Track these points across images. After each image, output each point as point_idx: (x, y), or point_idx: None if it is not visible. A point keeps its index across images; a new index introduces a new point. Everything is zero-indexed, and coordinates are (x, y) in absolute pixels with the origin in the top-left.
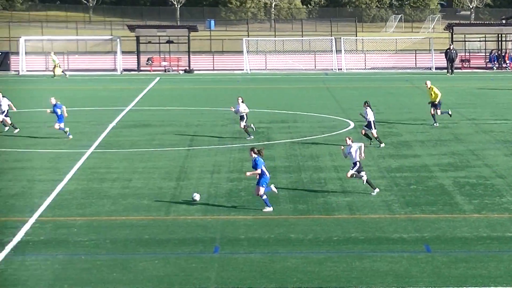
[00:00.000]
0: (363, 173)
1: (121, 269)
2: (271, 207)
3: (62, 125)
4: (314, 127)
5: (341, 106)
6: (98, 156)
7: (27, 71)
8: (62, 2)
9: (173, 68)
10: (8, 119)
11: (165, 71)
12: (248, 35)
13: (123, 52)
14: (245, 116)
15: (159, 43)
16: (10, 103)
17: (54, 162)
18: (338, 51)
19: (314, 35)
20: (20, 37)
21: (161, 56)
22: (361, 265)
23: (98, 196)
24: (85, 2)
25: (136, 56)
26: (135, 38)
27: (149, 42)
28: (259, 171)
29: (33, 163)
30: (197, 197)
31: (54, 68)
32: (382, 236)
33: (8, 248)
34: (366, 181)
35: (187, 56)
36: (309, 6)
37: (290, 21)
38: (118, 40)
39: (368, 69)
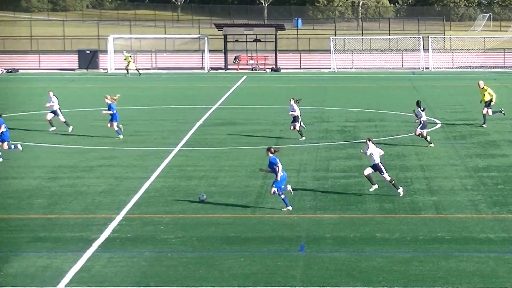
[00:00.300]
0: (372, 173)
1: (207, 266)
2: (290, 206)
3: (115, 124)
4: (401, 126)
5: (428, 105)
6: (185, 154)
7: (116, 69)
8: (151, 1)
9: (260, 67)
10: (49, 116)
11: (252, 70)
12: (335, 33)
13: (211, 51)
14: (299, 117)
15: (247, 41)
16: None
17: (141, 160)
18: (426, 50)
19: (401, 34)
20: (109, 36)
21: (248, 55)
22: (447, 265)
23: (185, 194)
24: (174, 1)
25: (224, 55)
26: (222, 36)
27: (237, 41)
28: (279, 167)
29: (121, 161)
30: (203, 196)
31: (127, 65)
32: (468, 236)
33: (96, 245)
34: (367, 176)
35: (274, 55)
36: (397, 5)
37: (377, 20)
38: (205, 38)
39: (456, 68)
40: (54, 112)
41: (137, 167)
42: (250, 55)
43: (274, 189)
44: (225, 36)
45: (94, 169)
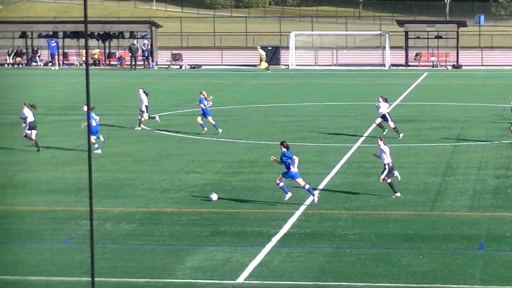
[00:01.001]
0: (396, 172)
1: (385, 263)
2: (290, 193)
3: (210, 118)
4: None
5: None
6: (365, 150)
7: (297, 65)
8: None
9: (441, 64)
10: (145, 115)
11: (433, 66)
12: None
13: (392, 47)
14: (387, 116)
15: (428, 38)
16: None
17: (321, 156)
18: None
19: None
20: (291, 32)
21: (429, 51)
22: None
23: (364, 190)
24: None
25: (405, 51)
26: (403, 33)
27: (418, 38)
28: (296, 158)
29: (301, 156)
30: (214, 196)
31: (260, 62)
32: None
33: (275, 239)
34: (389, 184)
35: (456, 52)
36: None
37: None
38: (386, 35)
39: None
40: (143, 109)
41: (317, 163)
42: (431, 51)
43: (303, 182)
44: (406, 32)
45: (274, 164)
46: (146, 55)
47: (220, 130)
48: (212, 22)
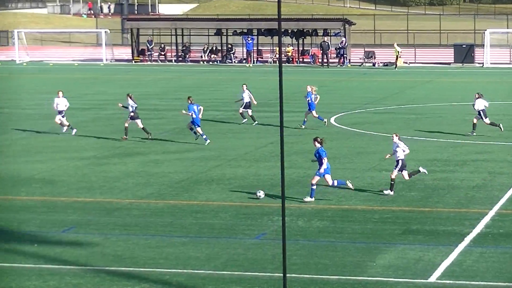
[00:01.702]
0: (404, 172)
1: None
2: (313, 198)
3: (314, 113)
4: None
5: None
6: None
7: (491, 63)
8: None
9: None
10: (249, 111)
11: None
12: None
13: None
14: (481, 113)
15: None
16: (251, 95)
17: None
18: None
19: None
20: (486, 30)
21: None
22: None
23: None
24: None
25: None
26: None
27: None
28: (325, 162)
29: (495, 156)
30: (261, 193)
31: (396, 59)
32: None
33: (468, 239)
34: (392, 180)
35: None
36: None
37: None
38: None
39: None
40: (245, 105)
41: (511, 163)
42: None
43: (317, 178)
44: None
45: (468, 163)
46: (342, 53)
47: (325, 120)
48: (406, 20)
